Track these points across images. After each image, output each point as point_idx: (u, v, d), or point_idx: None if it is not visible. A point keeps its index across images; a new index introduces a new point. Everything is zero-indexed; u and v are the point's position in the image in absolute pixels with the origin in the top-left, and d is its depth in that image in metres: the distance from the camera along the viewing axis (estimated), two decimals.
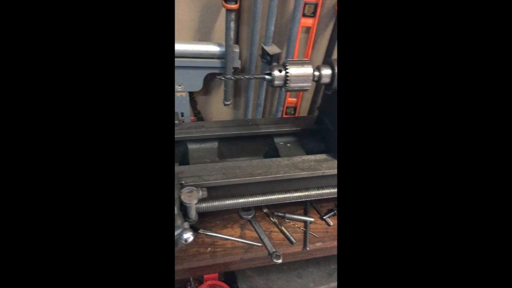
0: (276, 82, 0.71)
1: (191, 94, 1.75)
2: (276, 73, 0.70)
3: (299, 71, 0.70)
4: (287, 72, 0.69)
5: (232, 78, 0.70)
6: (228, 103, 1.72)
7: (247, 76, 0.70)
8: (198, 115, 1.91)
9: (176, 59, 1.57)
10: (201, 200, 0.74)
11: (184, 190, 0.69)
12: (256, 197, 0.81)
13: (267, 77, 0.71)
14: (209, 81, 1.76)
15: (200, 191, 0.71)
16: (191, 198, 0.68)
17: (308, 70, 0.71)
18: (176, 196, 0.68)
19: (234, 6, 1.37)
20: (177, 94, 1.67)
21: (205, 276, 1.02)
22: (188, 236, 0.63)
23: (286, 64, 0.70)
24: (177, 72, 1.61)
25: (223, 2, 1.37)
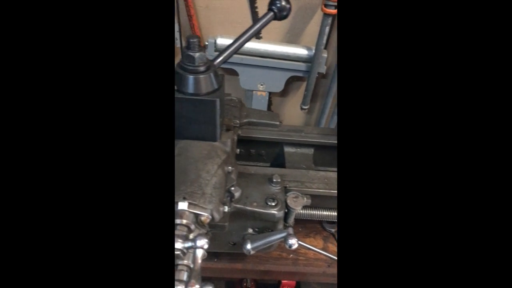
0: None
1: (268, 94, 1.77)
2: None
3: None
4: None
5: None
6: (306, 107, 1.70)
7: None
8: None
9: (261, 58, 1.59)
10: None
11: (290, 194, 0.69)
12: None
13: None
14: (289, 83, 1.75)
15: (305, 198, 0.69)
16: (297, 203, 0.67)
17: None
18: (282, 198, 0.67)
19: (333, 11, 1.34)
20: (257, 93, 1.70)
21: (283, 282, 1.01)
22: (293, 242, 0.61)
23: None
24: (261, 72, 1.63)
25: (323, 6, 1.35)
